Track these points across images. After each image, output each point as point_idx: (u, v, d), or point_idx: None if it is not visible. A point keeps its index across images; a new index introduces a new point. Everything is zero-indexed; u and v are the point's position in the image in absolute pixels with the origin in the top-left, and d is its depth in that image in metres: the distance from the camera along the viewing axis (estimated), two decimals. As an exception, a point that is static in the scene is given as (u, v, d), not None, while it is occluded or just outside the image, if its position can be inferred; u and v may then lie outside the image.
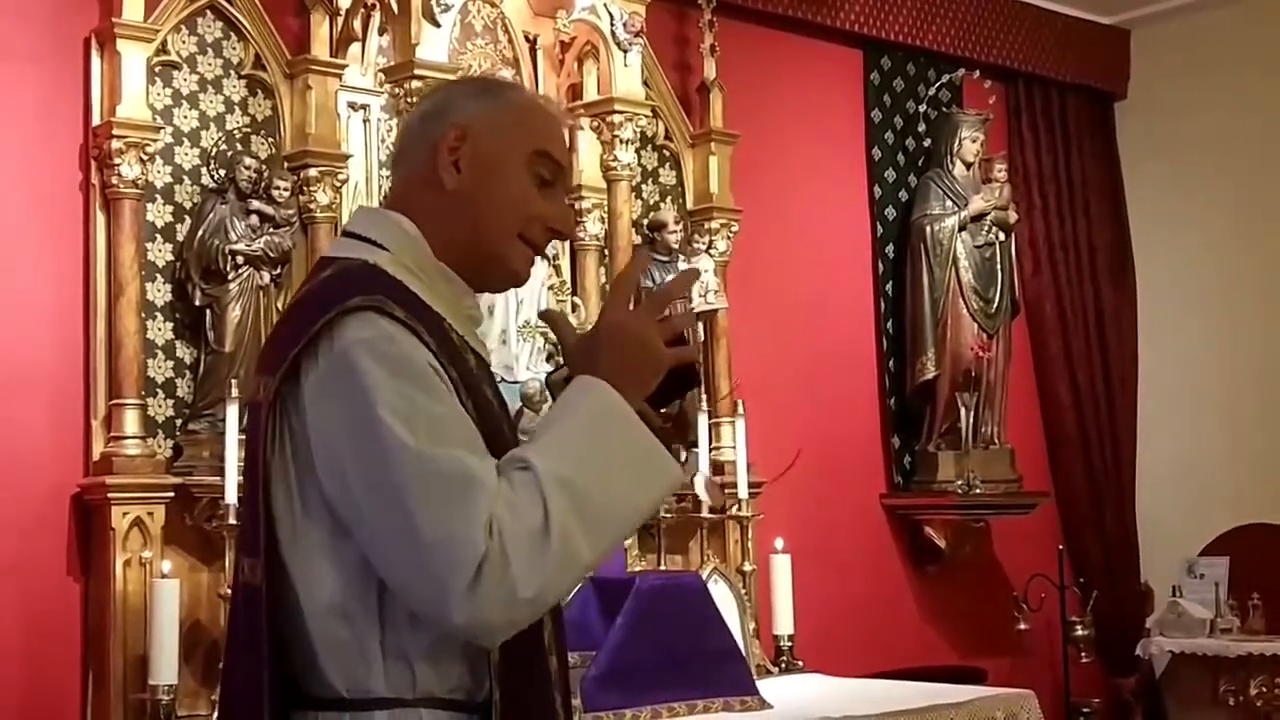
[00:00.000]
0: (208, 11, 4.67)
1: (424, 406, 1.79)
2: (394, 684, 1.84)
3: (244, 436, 2.04)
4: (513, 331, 4.91)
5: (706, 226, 5.66)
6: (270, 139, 4.75)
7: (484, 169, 2.00)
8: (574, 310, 5.11)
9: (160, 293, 4.51)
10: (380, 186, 4.89)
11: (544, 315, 2.23)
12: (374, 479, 1.76)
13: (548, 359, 4.97)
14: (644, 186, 5.66)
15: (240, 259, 4.49)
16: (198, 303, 4.49)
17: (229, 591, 4.10)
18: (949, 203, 6.49)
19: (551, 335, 4.92)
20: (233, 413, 4.24)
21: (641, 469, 1.84)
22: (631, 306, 1.95)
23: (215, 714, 2.31)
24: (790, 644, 5.31)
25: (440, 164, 1.99)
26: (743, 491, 5.31)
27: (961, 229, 6.45)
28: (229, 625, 2.04)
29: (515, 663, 1.88)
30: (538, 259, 2.09)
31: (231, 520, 4.18)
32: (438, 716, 1.85)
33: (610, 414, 1.83)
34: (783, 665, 5.27)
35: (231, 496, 4.20)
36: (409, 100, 4.60)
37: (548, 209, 2.03)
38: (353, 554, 1.82)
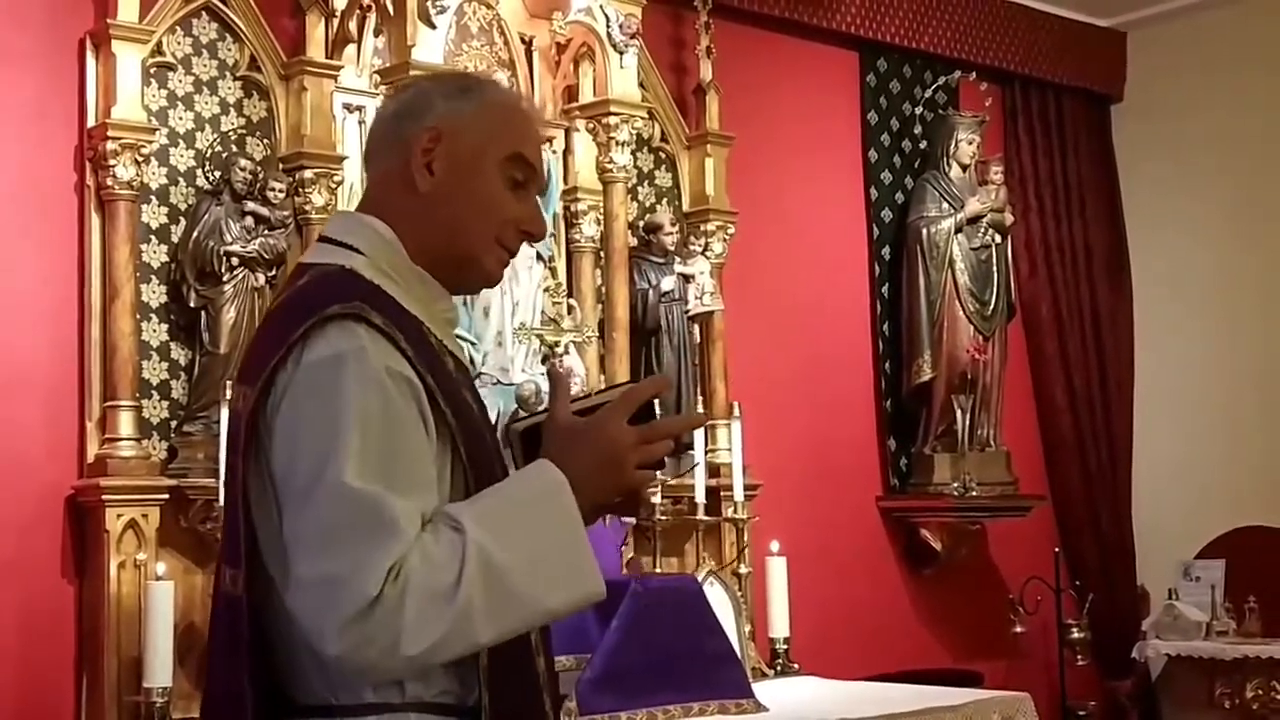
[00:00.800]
0: (203, 13, 4.66)
1: (384, 438, 1.78)
2: (382, 689, 1.84)
3: (227, 444, 2.03)
4: (508, 333, 4.90)
5: (702, 228, 5.65)
6: (265, 140, 4.74)
7: (458, 172, 1.99)
8: (570, 312, 5.10)
9: (155, 294, 4.50)
10: (375, 188, 4.87)
11: (550, 373, 2.23)
12: (308, 501, 1.77)
13: (543, 361, 4.97)
14: (640, 188, 5.66)
15: (235, 260, 4.48)
16: (193, 304, 4.49)
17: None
18: (945, 205, 6.49)
19: (548, 337, 4.93)
20: (227, 414, 4.22)
21: (566, 574, 1.83)
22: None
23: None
24: (786, 646, 5.30)
25: (414, 166, 1.98)
26: (738, 494, 5.31)
27: (958, 231, 6.46)
28: (210, 633, 2.02)
29: (503, 666, 1.88)
30: (521, 260, 2.11)
31: (226, 522, 4.17)
32: None
33: (559, 513, 1.83)
34: (778, 668, 5.26)
35: (226, 498, 4.19)
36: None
37: (520, 211, 2.03)
38: None
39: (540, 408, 4.53)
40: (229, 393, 4.19)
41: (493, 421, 2.13)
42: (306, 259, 2.03)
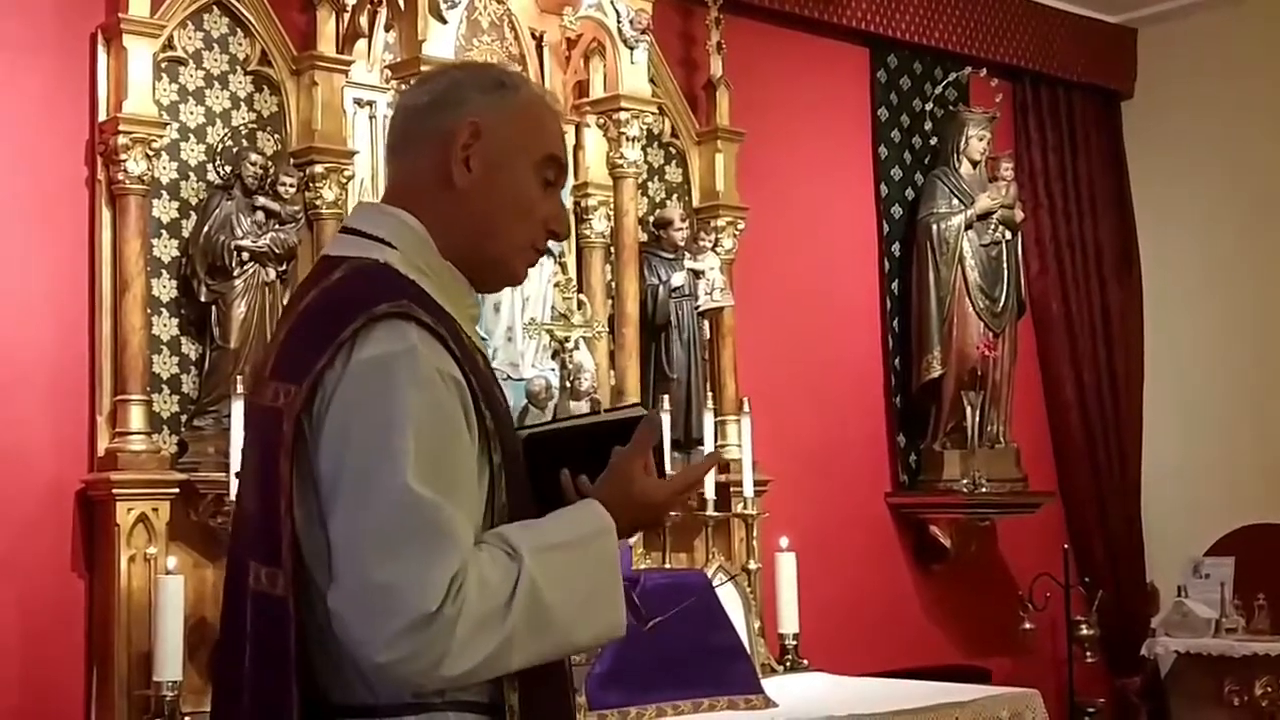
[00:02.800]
0: (214, 7, 4.66)
1: (437, 442, 1.78)
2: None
3: (250, 439, 1.98)
4: (518, 329, 4.90)
5: (712, 224, 5.65)
6: (276, 135, 4.74)
7: (496, 170, 1.97)
8: (580, 307, 5.10)
9: (166, 289, 4.51)
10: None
11: (648, 421, 2.11)
12: (366, 504, 1.75)
13: (553, 356, 4.97)
14: (650, 184, 5.65)
15: (246, 255, 4.48)
16: (203, 299, 4.49)
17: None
18: (955, 201, 6.48)
19: (558, 333, 4.93)
20: (238, 409, 4.23)
21: (599, 614, 1.88)
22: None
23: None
24: (795, 642, 5.30)
25: (453, 160, 1.95)
26: (748, 489, 5.30)
27: (968, 227, 6.45)
28: (232, 631, 1.95)
29: (541, 668, 1.88)
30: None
31: (237, 516, 4.18)
32: (464, 719, 1.85)
33: (604, 556, 1.89)
34: (787, 664, 5.26)
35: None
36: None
37: (548, 210, 2.02)
38: None
39: (562, 416, 4.53)
40: (239, 386, 4.26)
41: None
42: (335, 252, 1.99)
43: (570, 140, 5.34)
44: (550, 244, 2.12)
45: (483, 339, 4.78)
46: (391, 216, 1.98)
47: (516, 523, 1.86)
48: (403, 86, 4.65)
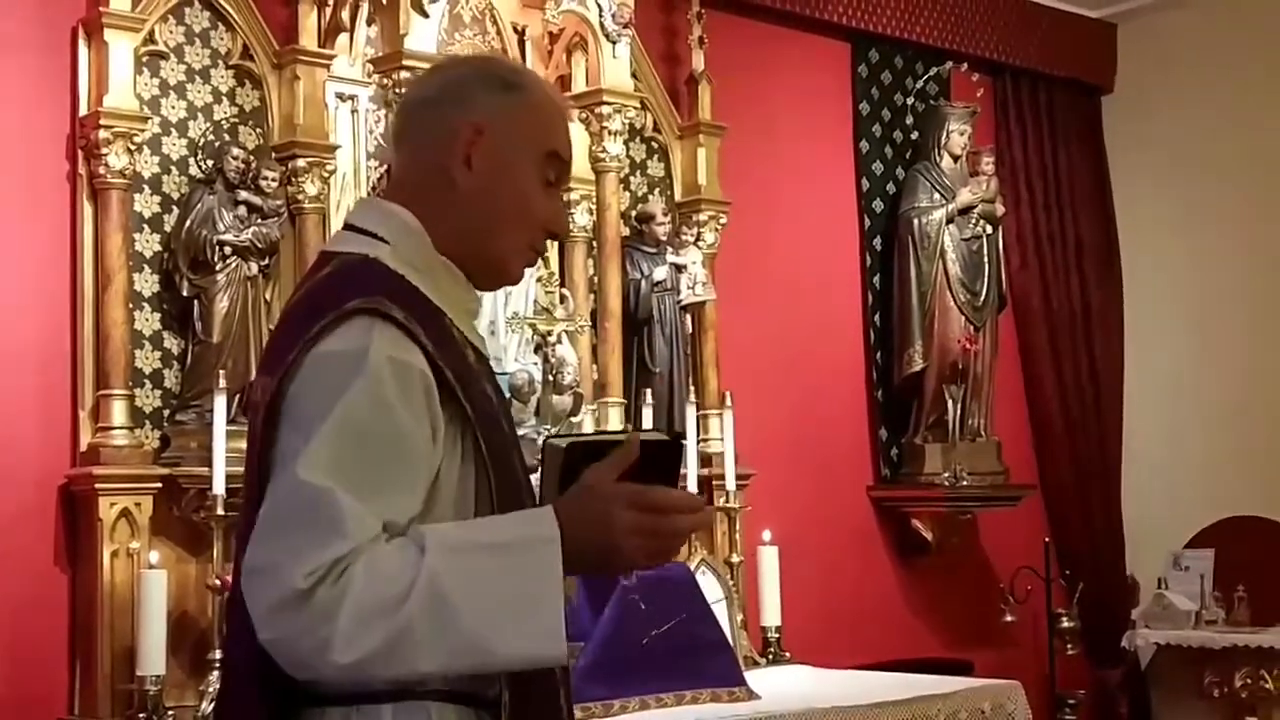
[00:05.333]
0: (195, 1, 4.65)
1: (357, 437, 1.75)
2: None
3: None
4: (501, 323, 4.90)
5: (695, 218, 5.66)
6: (258, 129, 4.74)
7: (497, 170, 1.96)
8: (562, 301, 5.11)
9: (148, 283, 4.50)
10: (368, 177, 4.88)
11: (632, 441, 1.88)
12: (274, 491, 1.77)
13: (535, 350, 4.97)
14: (632, 178, 5.66)
15: (228, 249, 4.48)
16: (185, 293, 4.48)
17: (217, 583, 4.13)
18: (936, 195, 6.49)
19: (540, 327, 4.93)
20: (220, 403, 4.24)
21: (526, 630, 1.72)
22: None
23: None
24: (778, 635, 5.31)
25: (454, 160, 1.95)
26: (730, 483, 5.32)
27: (949, 222, 6.46)
28: (234, 621, 1.96)
29: None
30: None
31: (220, 511, 4.18)
32: (445, 710, 1.84)
33: (538, 566, 1.73)
34: (770, 656, 5.28)
35: (220, 488, 4.19)
36: (397, 91, 4.59)
37: (548, 209, 2.01)
38: None
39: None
40: (222, 381, 4.26)
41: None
42: (331, 247, 2.01)
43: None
44: None
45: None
46: (388, 212, 1.98)
47: (455, 521, 1.83)
48: (385, 81, 4.65)
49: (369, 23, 4.84)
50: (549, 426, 4.81)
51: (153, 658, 4.10)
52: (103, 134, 4.32)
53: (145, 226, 4.51)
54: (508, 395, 4.73)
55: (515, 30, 5.24)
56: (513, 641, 1.71)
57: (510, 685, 1.85)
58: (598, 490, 1.76)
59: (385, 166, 4.77)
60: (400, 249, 1.93)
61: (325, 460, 1.73)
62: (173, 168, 4.57)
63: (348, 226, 2.02)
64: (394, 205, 1.99)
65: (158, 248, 4.52)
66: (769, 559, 5.33)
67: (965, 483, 6.31)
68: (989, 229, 6.55)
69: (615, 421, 5.14)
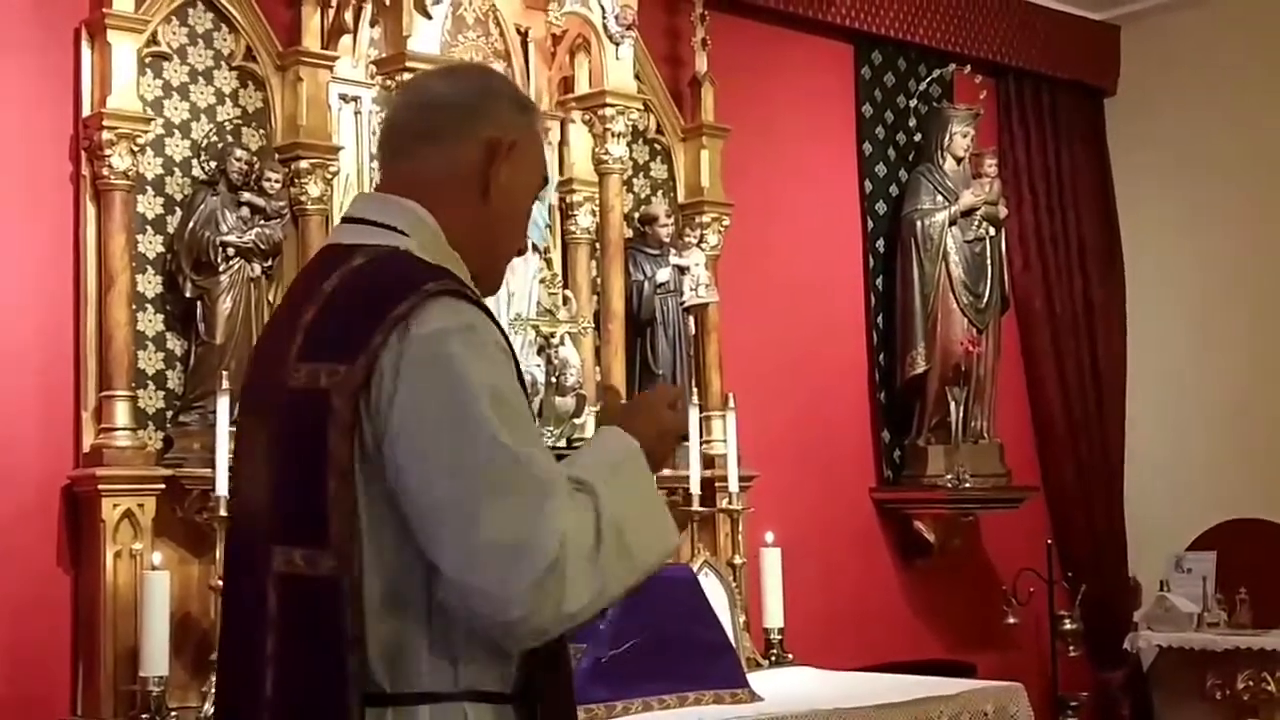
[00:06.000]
0: (198, 3, 4.65)
1: (512, 402, 1.82)
2: (438, 678, 1.83)
3: (270, 423, 1.94)
4: (504, 324, 4.88)
5: (697, 220, 5.66)
6: (261, 131, 4.74)
7: (514, 188, 2.04)
8: (565, 303, 5.11)
9: (151, 284, 4.50)
10: (371, 179, 4.87)
11: (605, 387, 2.30)
12: (461, 470, 1.76)
13: (538, 352, 4.97)
14: (635, 180, 5.66)
15: (231, 251, 4.48)
16: (188, 294, 4.48)
17: (219, 584, 4.12)
18: (939, 198, 6.49)
19: (543, 328, 4.93)
20: (223, 405, 4.23)
21: (659, 530, 1.93)
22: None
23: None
24: (780, 637, 5.31)
25: (492, 172, 2.00)
26: (733, 485, 5.31)
27: (952, 224, 6.46)
28: (244, 618, 1.92)
29: (550, 656, 1.91)
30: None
31: (223, 512, 4.17)
32: (480, 710, 1.85)
33: (643, 474, 1.93)
34: (773, 658, 5.27)
35: (223, 489, 4.19)
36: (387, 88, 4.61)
37: (526, 229, 2.18)
38: (408, 546, 1.81)
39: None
40: (225, 382, 4.25)
41: None
42: (346, 240, 2.00)
43: (555, 136, 5.36)
44: (535, 240, 2.25)
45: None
46: (404, 207, 1.99)
47: (568, 461, 1.92)
48: (388, 82, 4.65)
49: (372, 24, 4.84)
50: (552, 428, 4.81)
51: (155, 659, 4.10)
52: (106, 135, 4.32)
53: (148, 228, 4.51)
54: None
55: (518, 32, 5.23)
56: (656, 547, 1.90)
57: (542, 678, 1.90)
58: (649, 401, 2.06)
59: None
60: (421, 242, 1.95)
61: (509, 427, 1.79)
62: (176, 169, 4.57)
63: (357, 220, 2.02)
64: (406, 200, 1.99)
65: (160, 249, 4.53)
66: (771, 561, 5.33)
67: (968, 485, 6.31)
68: (992, 231, 6.55)
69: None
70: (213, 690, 4.07)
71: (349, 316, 1.87)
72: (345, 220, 2.07)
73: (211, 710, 4.05)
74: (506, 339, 1.91)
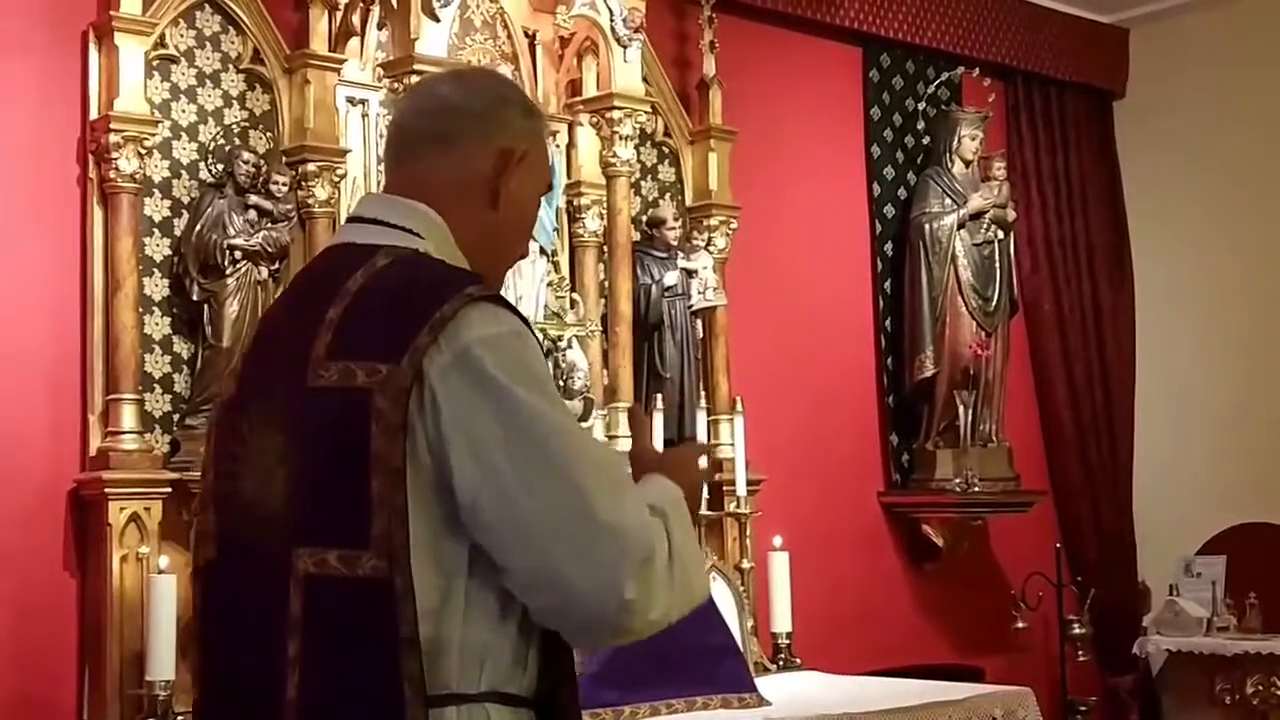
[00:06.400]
0: (206, 5, 4.65)
1: (563, 401, 1.87)
2: (466, 680, 1.81)
3: (293, 423, 1.89)
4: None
5: (705, 223, 5.65)
6: (269, 133, 4.73)
7: (520, 196, 2.04)
8: (573, 306, 5.10)
9: (158, 287, 4.50)
10: (379, 181, 4.87)
11: (633, 414, 2.25)
12: (540, 466, 1.77)
13: (546, 355, 4.96)
14: (643, 183, 5.65)
15: (238, 254, 4.48)
16: (195, 298, 4.48)
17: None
18: (948, 201, 6.48)
19: (551, 332, 4.93)
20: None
21: (701, 570, 1.95)
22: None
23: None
24: (788, 641, 5.31)
25: (502, 179, 2.00)
26: (741, 489, 5.31)
27: (960, 227, 6.45)
28: (256, 623, 1.87)
29: (564, 659, 1.92)
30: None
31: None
32: (501, 712, 1.84)
33: (687, 518, 1.93)
34: (781, 662, 5.27)
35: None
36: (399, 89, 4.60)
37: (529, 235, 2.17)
38: (449, 550, 1.79)
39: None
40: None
41: None
42: (361, 240, 1.96)
43: (563, 139, 5.35)
44: (543, 243, 2.25)
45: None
46: (417, 210, 1.97)
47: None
48: (395, 85, 4.64)
49: (380, 27, 4.84)
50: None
51: (162, 662, 4.10)
52: (113, 138, 4.32)
53: (155, 231, 4.51)
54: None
55: (526, 34, 5.23)
56: (701, 584, 1.91)
57: (559, 681, 1.90)
58: (689, 455, 2.11)
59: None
60: (437, 246, 1.95)
61: (574, 425, 1.84)
62: (183, 172, 4.57)
63: (369, 220, 1.99)
64: (415, 202, 1.97)
65: (168, 252, 4.52)
66: (780, 564, 5.32)
67: (976, 488, 6.30)
68: (1000, 234, 6.54)
69: (626, 427, 5.13)
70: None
71: (386, 316, 1.83)
72: (353, 220, 2.03)
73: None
74: (540, 345, 1.93)
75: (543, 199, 2.17)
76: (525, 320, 1.88)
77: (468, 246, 1.98)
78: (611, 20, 5.15)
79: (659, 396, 5.28)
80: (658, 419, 5.20)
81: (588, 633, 1.84)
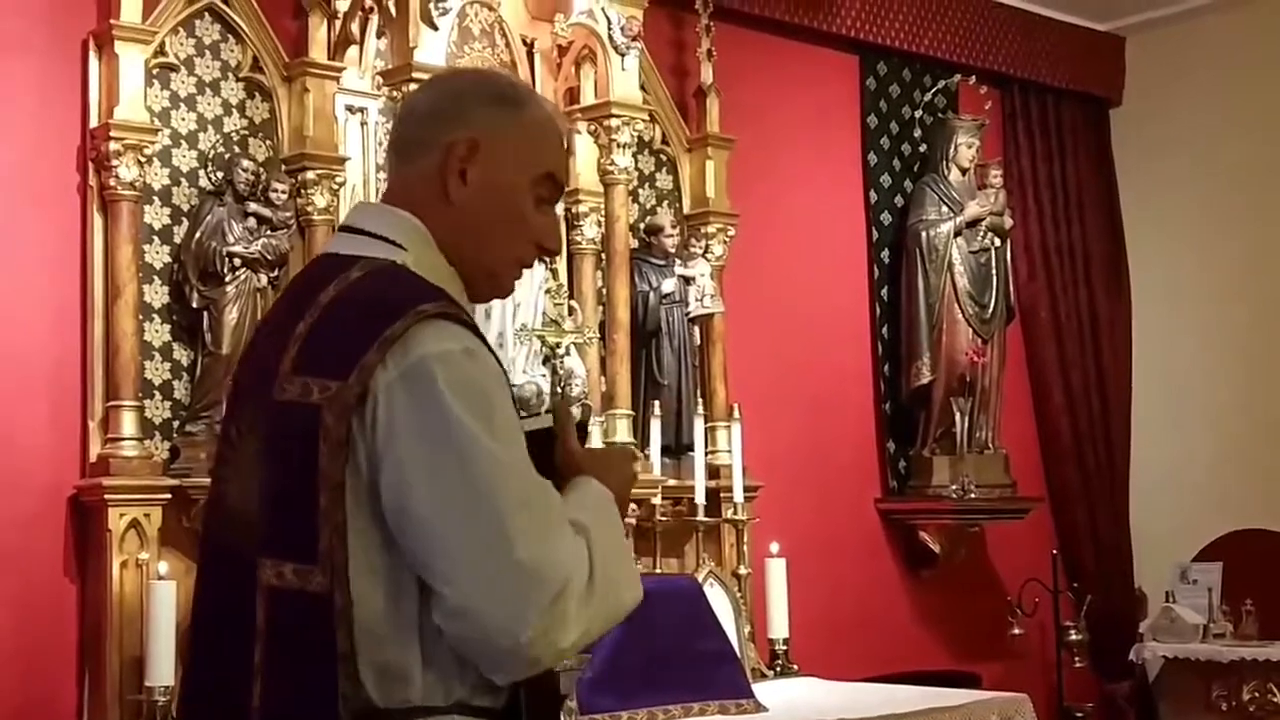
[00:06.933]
0: (206, 14, 4.67)
1: (513, 430, 1.80)
2: (430, 693, 1.81)
3: (258, 433, 1.91)
4: (509, 334, 4.91)
5: (703, 231, 5.67)
6: (268, 141, 4.75)
7: (491, 188, 1.96)
8: (570, 313, 5.12)
9: (158, 295, 4.51)
10: (378, 189, 4.88)
11: (558, 410, 2.11)
12: (462, 491, 1.74)
13: (544, 362, 4.98)
14: (641, 190, 5.67)
15: (238, 261, 4.49)
16: (195, 305, 4.49)
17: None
18: (945, 208, 6.50)
19: (549, 339, 4.94)
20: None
21: (632, 574, 1.93)
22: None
23: None
24: (785, 647, 5.32)
25: (449, 174, 1.95)
26: (738, 495, 5.32)
27: (957, 234, 6.47)
28: (228, 629, 1.89)
29: (543, 674, 1.89)
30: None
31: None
32: None
33: (616, 521, 1.93)
34: (778, 668, 5.27)
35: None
36: (393, 100, 4.61)
37: (541, 227, 2.02)
38: (396, 564, 1.79)
39: (543, 409, 4.55)
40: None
41: None
42: (343, 250, 1.96)
43: (562, 146, 5.35)
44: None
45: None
46: (399, 218, 1.97)
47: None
48: (394, 93, 4.66)
49: (378, 35, 4.86)
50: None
51: (161, 668, 4.10)
52: (113, 146, 4.33)
53: (155, 238, 4.53)
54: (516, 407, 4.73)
55: (524, 43, 5.25)
56: (630, 591, 1.88)
57: (528, 692, 1.87)
58: (620, 454, 2.14)
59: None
60: (418, 256, 1.93)
61: (520, 456, 1.79)
62: (183, 179, 4.58)
63: (355, 230, 2.00)
64: (402, 212, 1.97)
65: (167, 259, 4.54)
66: (777, 571, 5.33)
67: (973, 495, 6.31)
68: (997, 241, 6.56)
69: (623, 433, 5.14)
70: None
71: (343, 331, 1.84)
72: (343, 229, 2.04)
73: None
74: (500, 364, 1.87)
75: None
76: (482, 338, 1.84)
77: (448, 247, 1.96)
78: (609, 28, 5.16)
79: (656, 403, 5.29)
80: (655, 426, 5.22)
81: (497, 667, 1.80)
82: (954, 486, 6.32)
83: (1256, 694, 6.54)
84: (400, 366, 1.77)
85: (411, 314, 1.79)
